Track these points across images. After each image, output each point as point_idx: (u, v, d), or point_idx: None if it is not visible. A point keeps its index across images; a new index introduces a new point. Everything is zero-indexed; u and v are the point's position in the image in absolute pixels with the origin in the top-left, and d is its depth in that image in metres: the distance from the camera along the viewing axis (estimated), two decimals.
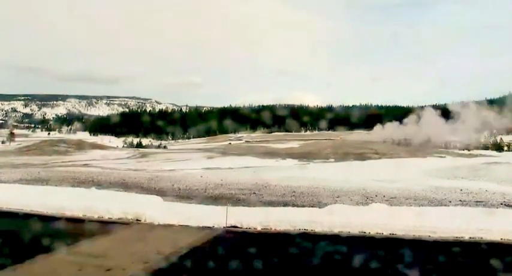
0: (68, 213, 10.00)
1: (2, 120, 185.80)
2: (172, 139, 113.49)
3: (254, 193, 15.34)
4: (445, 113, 69.25)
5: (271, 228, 8.90)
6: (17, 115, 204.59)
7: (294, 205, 12.05)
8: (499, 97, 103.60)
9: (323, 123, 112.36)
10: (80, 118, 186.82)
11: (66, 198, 10.99)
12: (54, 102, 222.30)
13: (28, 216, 9.72)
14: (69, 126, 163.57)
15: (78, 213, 10.01)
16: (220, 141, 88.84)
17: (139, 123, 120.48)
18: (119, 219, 9.61)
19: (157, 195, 12.46)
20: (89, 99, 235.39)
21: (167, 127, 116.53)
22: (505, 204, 13.19)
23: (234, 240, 8.36)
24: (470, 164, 31.08)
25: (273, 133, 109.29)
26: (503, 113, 68.50)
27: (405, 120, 71.80)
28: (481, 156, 44.24)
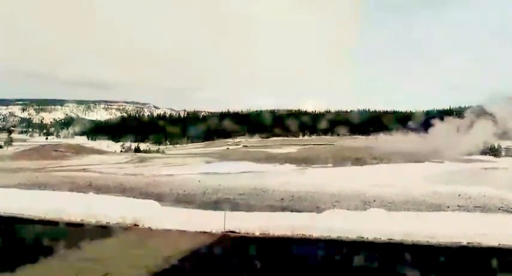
0: (66, 217, 9.99)
1: None
2: (170, 144, 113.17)
3: (252, 198, 15.31)
4: None
5: (269, 233, 8.89)
6: (14, 120, 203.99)
7: (292, 210, 12.04)
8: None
9: (322, 128, 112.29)
10: (78, 122, 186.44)
11: (65, 202, 10.95)
12: (52, 106, 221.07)
13: (26, 221, 9.70)
14: (67, 131, 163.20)
15: (76, 217, 10.00)
16: (218, 146, 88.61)
17: (137, 128, 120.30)
18: (117, 223, 9.60)
19: (155, 200, 12.42)
20: (87, 104, 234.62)
21: (165, 132, 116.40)
22: (503, 209, 13.23)
23: (232, 245, 8.34)
24: (468, 169, 31.12)
25: (271, 138, 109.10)
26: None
27: None
28: (479, 161, 44.31)
